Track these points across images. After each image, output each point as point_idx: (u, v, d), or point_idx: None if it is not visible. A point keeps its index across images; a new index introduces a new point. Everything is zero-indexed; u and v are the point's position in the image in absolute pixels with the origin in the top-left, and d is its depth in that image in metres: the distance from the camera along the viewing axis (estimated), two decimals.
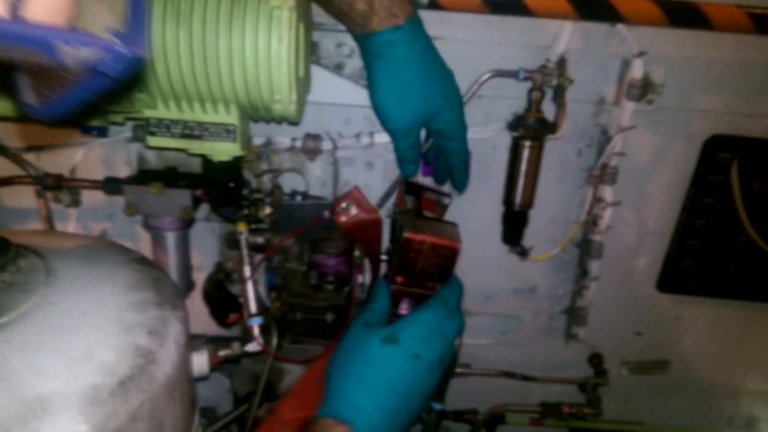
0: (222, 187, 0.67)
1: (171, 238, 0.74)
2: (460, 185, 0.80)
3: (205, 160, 0.67)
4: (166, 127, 0.62)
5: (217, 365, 0.70)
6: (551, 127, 0.77)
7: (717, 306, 0.96)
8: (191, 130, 0.62)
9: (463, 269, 0.84)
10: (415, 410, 0.56)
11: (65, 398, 0.43)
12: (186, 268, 0.78)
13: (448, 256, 0.68)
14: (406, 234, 0.66)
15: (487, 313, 0.91)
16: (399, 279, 0.69)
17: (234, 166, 0.67)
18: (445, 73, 0.70)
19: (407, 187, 0.78)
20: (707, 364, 1.01)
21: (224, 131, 0.62)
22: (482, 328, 0.92)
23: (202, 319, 0.82)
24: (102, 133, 0.73)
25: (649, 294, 0.94)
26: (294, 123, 0.70)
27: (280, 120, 0.65)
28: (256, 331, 0.71)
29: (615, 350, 0.98)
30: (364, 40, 0.66)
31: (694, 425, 1.05)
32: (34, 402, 0.42)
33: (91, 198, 0.82)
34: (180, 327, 0.62)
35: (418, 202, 0.75)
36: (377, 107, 0.70)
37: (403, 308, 0.70)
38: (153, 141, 0.64)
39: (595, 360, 0.97)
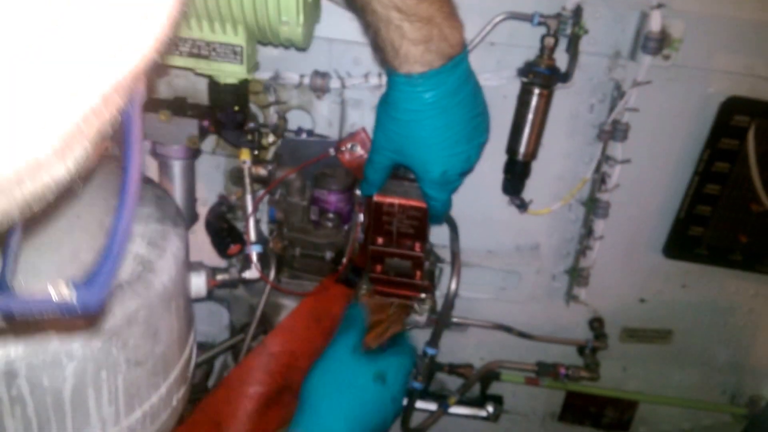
0: (227, 110, 0.67)
1: (177, 167, 0.75)
2: (432, 221, 0.76)
3: (212, 82, 0.68)
4: (174, 44, 0.63)
5: (215, 288, 0.71)
6: (563, 76, 0.76)
7: (726, 277, 0.93)
8: (199, 50, 0.63)
9: (464, 220, 0.84)
10: None
11: None
12: (191, 198, 0.79)
13: (418, 216, 0.72)
14: (375, 198, 0.71)
15: (486, 266, 0.91)
16: (378, 240, 0.73)
17: (240, 89, 0.67)
18: (449, 145, 0.63)
19: None
20: (712, 337, 0.99)
21: (231, 52, 0.63)
22: (481, 282, 0.92)
23: (204, 252, 0.83)
24: None
25: (654, 259, 0.92)
26: (301, 49, 0.70)
27: (287, 44, 0.66)
28: (254, 257, 0.72)
29: (616, 315, 0.96)
30: None
31: (694, 399, 1.04)
32: None
33: None
34: (179, 243, 0.63)
35: None
36: None
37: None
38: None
39: (596, 324, 0.96)
